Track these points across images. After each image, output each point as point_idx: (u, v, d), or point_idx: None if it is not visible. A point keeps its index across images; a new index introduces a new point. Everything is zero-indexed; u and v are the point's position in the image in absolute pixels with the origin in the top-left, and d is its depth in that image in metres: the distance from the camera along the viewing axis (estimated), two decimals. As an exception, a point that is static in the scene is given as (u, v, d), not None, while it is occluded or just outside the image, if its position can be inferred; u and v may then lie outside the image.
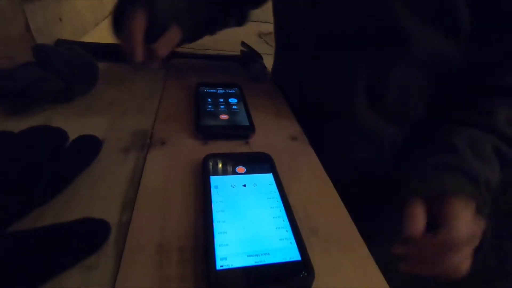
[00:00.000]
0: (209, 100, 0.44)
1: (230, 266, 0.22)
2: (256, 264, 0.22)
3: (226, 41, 0.59)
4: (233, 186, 0.29)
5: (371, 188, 0.53)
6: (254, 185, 0.30)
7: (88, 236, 0.23)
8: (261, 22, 1.00)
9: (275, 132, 0.42)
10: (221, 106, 0.43)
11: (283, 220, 0.26)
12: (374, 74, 0.43)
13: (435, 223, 0.42)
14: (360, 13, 0.39)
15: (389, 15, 0.36)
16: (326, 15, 0.43)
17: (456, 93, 0.43)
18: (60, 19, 0.61)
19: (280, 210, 0.27)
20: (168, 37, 0.42)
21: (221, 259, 0.22)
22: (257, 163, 0.33)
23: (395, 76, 0.42)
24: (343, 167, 0.50)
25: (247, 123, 0.40)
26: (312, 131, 0.43)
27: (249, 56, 0.63)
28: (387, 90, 0.44)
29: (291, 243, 0.24)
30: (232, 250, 0.23)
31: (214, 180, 0.29)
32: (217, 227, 0.25)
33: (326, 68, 0.46)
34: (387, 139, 0.49)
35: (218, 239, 0.24)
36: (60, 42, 0.57)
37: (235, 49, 0.67)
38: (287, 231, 0.25)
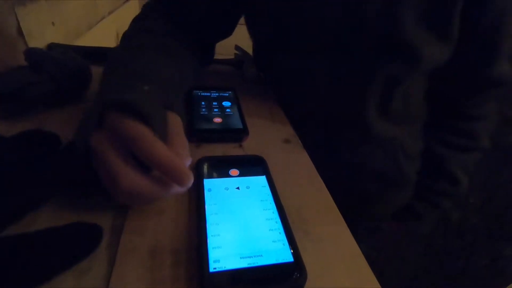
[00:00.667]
0: (203, 103, 0.44)
1: (223, 268, 0.22)
2: (249, 266, 0.23)
3: (220, 45, 0.59)
4: (227, 188, 0.29)
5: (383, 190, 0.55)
6: (248, 187, 0.30)
7: (80, 240, 0.23)
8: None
9: (269, 134, 0.43)
10: (215, 110, 0.43)
11: (276, 222, 0.27)
12: (385, 84, 0.44)
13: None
14: (373, 30, 0.39)
15: (401, 30, 0.38)
16: (340, 32, 0.42)
17: (445, 89, 0.51)
18: (53, 23, 0.61)
19: (273, 212, 0.28)
20: (176, 134, 0.27)
21: (214, 261, 0.22)
22: (251, 165, 0.33)
23: (403, 84, 0.44)
24: (352, 172, 0.53)
25: (240, 126, 0.40)
26: (311, 135, 0.44)
27: (243, 59, 0.64)
28: (394, 97, 0.46)
29: (283, 244, 0.25)
30: (225, 252, 0.23)
31: (208, 183, 0.30)
32: (210, 229, 0.25)
33: (338, 78, 0.45)
34: (395, 140, 0.51)
35: (211, 242, 0.24)
36: (53, 46, 0.57)
37: (229, 53, 0.68)
38: (280, 233, 0.26)
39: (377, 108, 0.46)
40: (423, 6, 0.37)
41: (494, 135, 0.56)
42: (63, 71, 0.41)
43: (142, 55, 0.36)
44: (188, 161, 0.25)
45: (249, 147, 0.39)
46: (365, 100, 0.45)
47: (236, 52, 0.68)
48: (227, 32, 0.52)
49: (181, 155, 0.25)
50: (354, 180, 0.53)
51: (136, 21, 0.46)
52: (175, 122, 0.28)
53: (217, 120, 0.41)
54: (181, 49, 0.42)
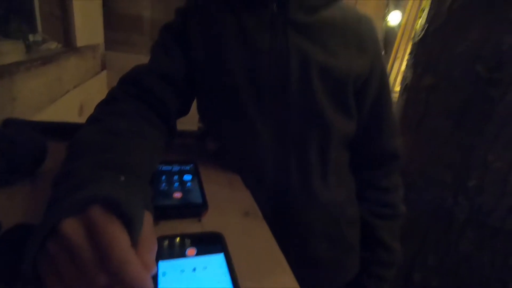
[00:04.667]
0: (163, 178, 0.45)
1: None
2: None
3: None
4: (182, 271, 0.29)
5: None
6: (205, 268, 0.30)
7: None
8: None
9: (229, 208, 0.43)
10: (175, 184, 0.44)
11: (232, 306, 0.26)
12: (318, 150, 0.53)
13: None
14: (303, 118, 0.51)
15: (321, 112, 0.50)
16: (279, 122, 0.51)
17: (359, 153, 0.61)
18: (14, 99, 0.61)
19: (230, 294, 0.27)
20: (146, 237, 0.26)
21: None
22: (209, 243, 0.33)
23: (331, 152, 0.54)
24: (300, 236, 0.55)
25: (200, 201, 0.41)
26: (261, 203, 0.46)
27: (206, 131, 0.67)
28: (329, 163, 0.54)
29: (240, 331, 0.24)
30: None
31: (163, 265, 0.29)
32: (162, 321, 0.23)
33: (284, 157, 0.52)
34: (336, 205, 0.57)
35: (163, 336, 0.22)
36: (8, 122, 0.56)
37: (193, 125, 0.71)
38: (236, 317, 0.25)
39: (317, 173, 0.54)
40: (330, 89, 0.50)
41: (435, 199, 0.63)
42: (15, 148, 0.40)
43: (117, 140, 0.35)
44: (153, 272, 0.24)
45: (209, 221, 0.39)
46: (307, 164, 0.53)
47: (200, 124, 0.72)
48: (185, 111, 0.57)
49: (148, 265, 0.24)
50: (303, 244, 0.55)
51: (103, 104, 0.46)
52: (147, 223, 0.27)
53: (177, 195, 0.41)
54: (152, 130, 0.44)
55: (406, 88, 0.92)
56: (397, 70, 1.85)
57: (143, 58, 0.53)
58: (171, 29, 0.54)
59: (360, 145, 0.60)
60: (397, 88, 1.15)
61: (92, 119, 0.42)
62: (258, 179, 0.53)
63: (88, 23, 1.11)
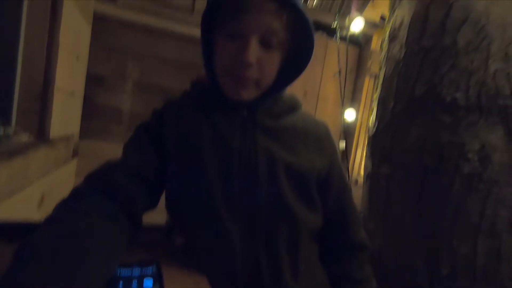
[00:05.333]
0: (121, 285, 0.41)
1: None
2: None
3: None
4: None
5: None
6: None
7: None
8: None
9: (191, 319, 0.39)
10: (133, 293, 0.40)
11: None
12: (288, 247, 0.54)
13: None
14: (272, 213, 0.53)
15: (288, 207, 0.53)
16: (248, 219, 0.52)
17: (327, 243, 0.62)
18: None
19: None
20: None
21: None
22: None
23: (301, 248, 0.55)
24: None
25: (158, 314, 0.37)
26: None
27: (173, 226, 0.65)
28: (299, 260, 0.54)
29: None
30: None
31: None
32: None
33: (254, 253, 0.52)
34: None
35: None
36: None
37: (161, 220, 0.69)
38: None
39: (288, 268, 0.53)
40: (295, 185, 0.54)
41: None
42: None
43: (72, 243, 0.35)
44: None
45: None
46: (277, 260, 0.52)
47: (168, 217, 0.70)
48: (154, 204, 0.57)
49: None
50: None
51: (64, 202, 0.45)
52: None
53: (133, 307, 0.37)
54: (114, 229, 0.43)
55: (368, 176, 0.99)
56: (360, 157, 2.02)
57: (118, 147, 0.54)
58: (146, 128, 0.58)
59: (329, 237, 0.61)
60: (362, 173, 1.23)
61: (49, 219, 0.41)
62: (227, 277, 0.51)
63: (65, 116, 1.15)
